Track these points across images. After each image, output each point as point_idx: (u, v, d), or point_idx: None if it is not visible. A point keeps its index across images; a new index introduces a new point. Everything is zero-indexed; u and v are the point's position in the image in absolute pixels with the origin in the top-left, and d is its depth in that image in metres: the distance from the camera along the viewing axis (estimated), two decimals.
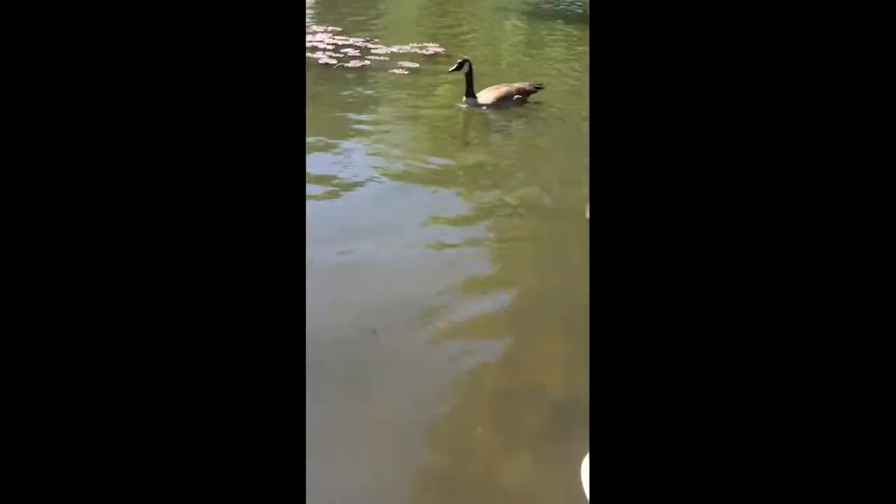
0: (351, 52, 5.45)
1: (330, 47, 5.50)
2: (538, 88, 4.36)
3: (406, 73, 5.03)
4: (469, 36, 7.04)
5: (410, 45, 5.88)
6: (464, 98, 4.23)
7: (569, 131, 4.02)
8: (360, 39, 5.92)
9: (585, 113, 3.91)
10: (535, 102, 4.35)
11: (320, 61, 4.83)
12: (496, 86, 4.31)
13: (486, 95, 4.22)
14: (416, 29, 7.14)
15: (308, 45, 5.47)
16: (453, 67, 4.30)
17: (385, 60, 5.35)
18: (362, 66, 5.12)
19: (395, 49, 5.70)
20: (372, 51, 5.59)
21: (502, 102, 4.20)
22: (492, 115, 4.21)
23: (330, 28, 6.26)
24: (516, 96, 4.23)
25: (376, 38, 6.12)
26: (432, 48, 5.86)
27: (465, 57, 4.33)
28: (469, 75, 4.17)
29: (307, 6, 8.25)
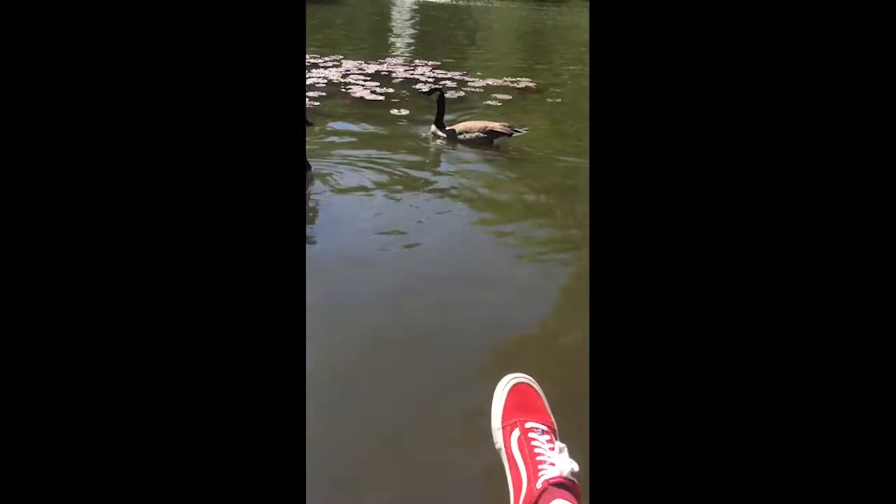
0: (449, 83, 5.68)
1: (430, 79, 5.77)
2: (515, 132, 3.81)
3: (499, 104, 5.12)
4: (562, 69, 7.04)
5: (504, 78, 6.14)
6: (432, 126, 3.94)
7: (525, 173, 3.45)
8: (458, 73, 6.24)
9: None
10: (514, 147, 3.85)
11: (422, 90, 4.96)
12: (471, 121, 3.92)
13: (457, 127, 3.89)
14: (509, 64, 7.26)
15: (410, 76, 5.91)
16: (424, 90, 4.32)
17: (479, 92, 5.50)
18: (457, 97, 5.26)
19: (489, 82, 5.93)
20: (468, 83, 5.80)
21: (468, 137, 3.84)
22: (456, 149, 3.78)
23: (430, 63, 6.74)
24: (479, 134, 3.81)
25: (476, 71, 6.37)
26: (524, 82, 6.08)
27: (438, 86, 4.22)
28: (440, 103, 3.89)
29: (406, 44, 8.75)
